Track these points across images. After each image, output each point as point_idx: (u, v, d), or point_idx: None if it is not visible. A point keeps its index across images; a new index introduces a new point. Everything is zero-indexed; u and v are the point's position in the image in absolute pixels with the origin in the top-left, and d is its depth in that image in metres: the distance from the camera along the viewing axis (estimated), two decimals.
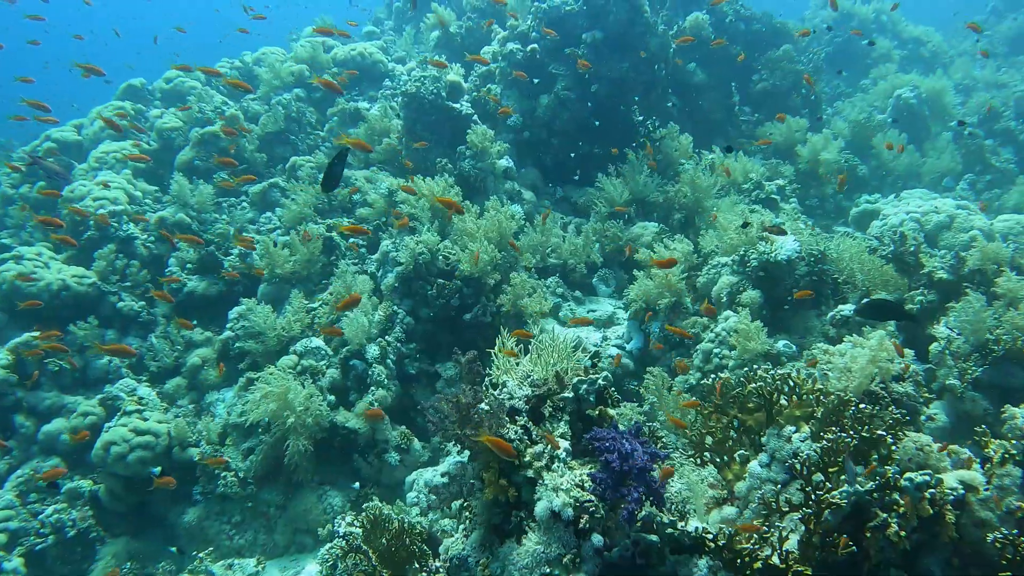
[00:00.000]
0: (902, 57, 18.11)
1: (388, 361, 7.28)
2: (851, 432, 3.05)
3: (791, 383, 3.45)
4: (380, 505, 5.33)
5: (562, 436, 3.47)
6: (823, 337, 6.33)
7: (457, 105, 9.89)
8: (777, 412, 3.46)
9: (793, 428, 3.40)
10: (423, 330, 7.78)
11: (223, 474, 7.15)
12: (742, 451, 3.52)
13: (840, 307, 6.06)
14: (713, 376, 5.76)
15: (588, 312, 8.16)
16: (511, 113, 10.18)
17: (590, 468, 3.29)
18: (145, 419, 7.50)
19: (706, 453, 3.63)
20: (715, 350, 6.23)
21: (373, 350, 7.26)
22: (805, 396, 3.42)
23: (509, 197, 9.33)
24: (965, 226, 8.71)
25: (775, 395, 3.46)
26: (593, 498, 3.14)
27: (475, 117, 9.89)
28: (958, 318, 4.98)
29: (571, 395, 3.52)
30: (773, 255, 6.42)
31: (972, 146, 12.20)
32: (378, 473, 7.02)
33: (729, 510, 3.30)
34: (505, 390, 3.61)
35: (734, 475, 3.45)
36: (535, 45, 10.34)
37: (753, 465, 3.34)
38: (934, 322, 5.54)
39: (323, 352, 7.59)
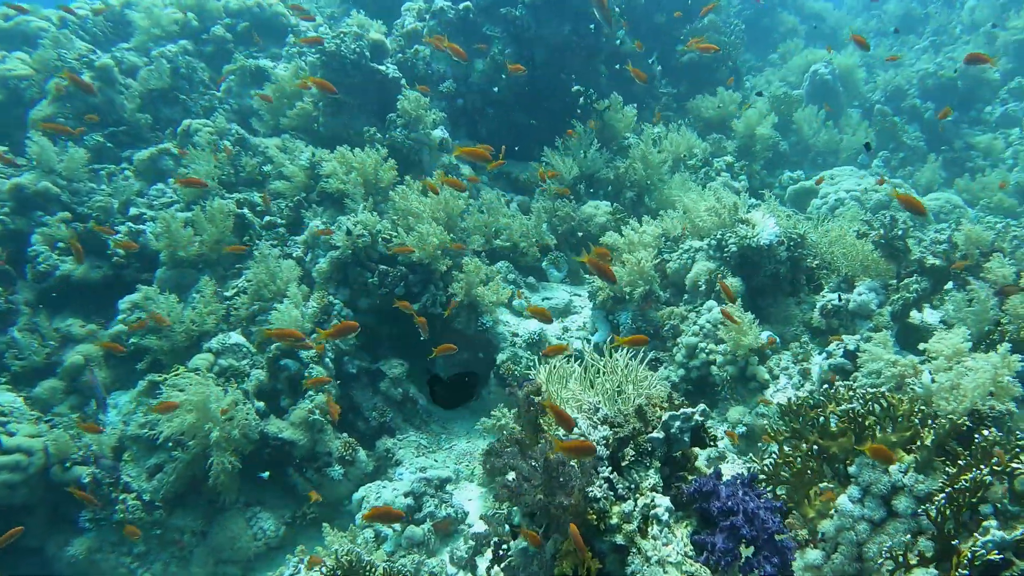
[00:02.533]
0: (806, 32, 18.75)
1: (327, 360, 6.58)
2: (988, 466, 2.77)
3: (883, 403, 3.16)
4: (352, 548, 4.71)
5: (653, 489, 3.02)
6: (805, 327, 6.25)
7: (382, 67, 9.13)
8: (868, 438, 3.17)
9: None
10: (363, 322, 7.09)
11: (121, 497, 6.24)
12: (825, 483, 3.21)
13: (829, 296, 5.96)
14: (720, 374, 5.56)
15: (543, 300, 7.76)
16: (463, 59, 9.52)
17: (687, 527, 2.86)
18: (11, 433, 6.42)
19: (781, 487, 3.28)
20: (700, 344, 5.99)
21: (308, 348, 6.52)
22: (902, 419, 3.13)
23: (446, 171, 8.72)
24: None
25: (867, 418, 3.15)
26: None
27: (403, 82, 9.17)
28: (957, 307, 4.95)
29: (661, 436, 3.06)
30: (754, 239, 6.25)
31: (886, 123, 12.69)
32: (317, 489, 6.34)
33: (813, 554, 2.98)
34: (576, 430, 3.12)
35: (816, 512, 3.13)
36: (468, 3, 9.70)
37: (842, 500, 3.02)
38: (917, 310, 5.54)
39: (244, 349, 6.78)
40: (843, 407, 3.17)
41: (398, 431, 6.91)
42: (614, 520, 2.84)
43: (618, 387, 3.33)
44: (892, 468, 2.99)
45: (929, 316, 5.46)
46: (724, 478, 2.93)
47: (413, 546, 5.30)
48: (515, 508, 3.09)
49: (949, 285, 5.44)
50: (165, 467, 6.35)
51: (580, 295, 7.97)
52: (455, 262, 7.21)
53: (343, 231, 6.92)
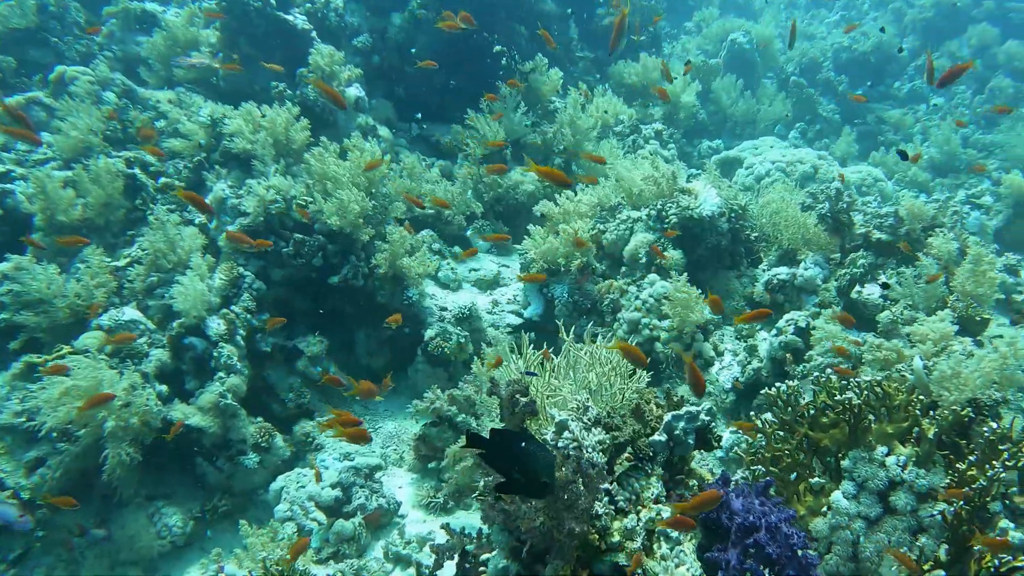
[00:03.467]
0: (720, 2, 18.98)
1: (237, 338, 6.07)
2: (1001, 461, 2.69)
3: (880, 392, 3.05)
4: (283, 556, 4.34)
5: (656, 500, 2.77)
6: (746, 301, 6.24)
7: (290, 17, 8.48)
8: (864, 430, 3.06)
9: (885, 449, 3.02)
10: (276, 296, 6.61)
11: None
12: (817, 479, 3.09)
13: (776, 270, 5.95)
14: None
15: (471, 271, 7.46)
16: None
17: (691, 540, 2.63)
18: None
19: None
20: (644, 320, 5.87)
21: (217, 324, 6.00)
22: (898, 410, 3.04)
23: (363, 133, 8.22)
24: (828, 177, 9.18)
25: (862, 409, 3.04)
26: None
27: (314, 34, 8.56)
28: (905, 284, 5.01)
29: (663, 439, 2.82)
30: (697, 210, 6.16)
31: (802, 95, 13.00)
32: (229, 479, 5.88)
33: None
34: (566, 434, 2.83)
35: (807, 509, 3.01)
36: None
37: (836, 497, 2.91)
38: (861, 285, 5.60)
39: (141, 326, 6.17)
40: (839, 397, 3.06)
41: (317, 413, 6.49)
42: (616, 538, 2.57)
43: (608, 382, 3.11)
44: (889, 462, 2.90)
45: (871, 292, 5.54)
46: (731, 484, 2.75)
47: (342, 541, 4.96)
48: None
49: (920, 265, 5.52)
50: (48, 461, 5.71)
51: (509, 266, 7.73)
52: (378, 231, 6.80)
53: (254, 196, 6.37)
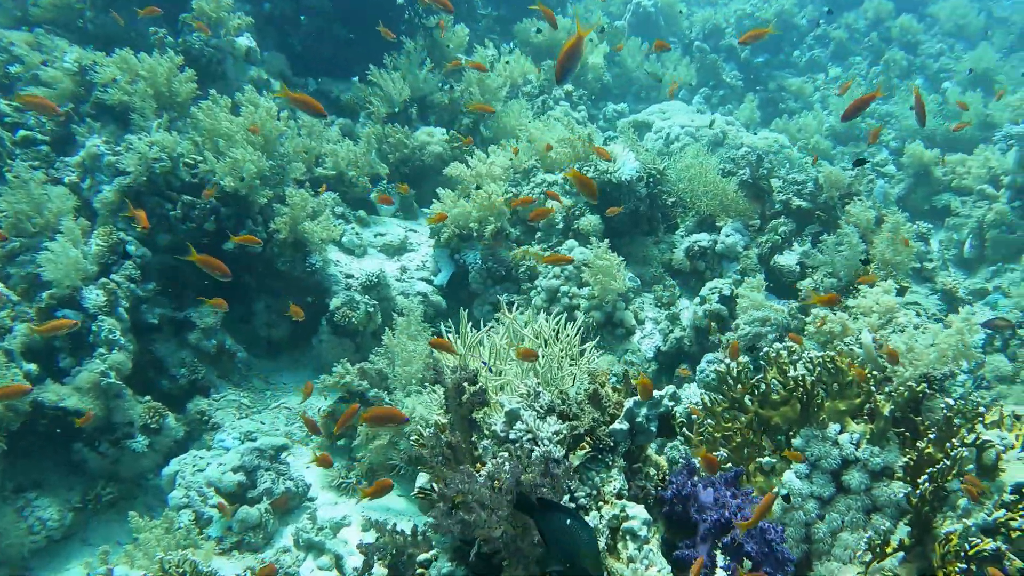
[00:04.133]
0: None
1: (120, 310, 5.55)
2: (961, 439, 2.67)
3: (832, 368, 3.00)
4: (184, 555, 4.00)
5: (619, 495, 2.55)
6: (665, 268, 6.24)
7: None
8: (816, 407, 3.01)
9: (837, 427, 2.99)
10: (162, 264, 6.09)
11: None
12: (768, 458, 3.03)
13: (696, 236, 5.96)
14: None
15: (376, 236, 7.14)
16: None
17: (654, 534, 2.46)
18: None
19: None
20: (562, 287, 5.76)
21: (95, 295, 5.46)
22: (851, 386, 3.00)
23: (255, 87, 7.67)
24: (736, 142, 9.35)
25: (815, 386, 2.98)
26: None
27: None
28: (827, 252, 5.11)
29: (625, 427, 2.63)
30: (616, 174, 6.08)
31: (706, 61, 13.19)
32: (115, 464, 5.41)
33: None
34: (519, 425, 2.62)
35: (759, 490, 2.94)
36: None
37: (789, 477, 2.85)
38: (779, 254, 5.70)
39: (2, 298, 5.55)
40: (792, 373, 3.00)
41: (213, 389, 6.07)
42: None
43: (559, 364, 2.94)
44: (843, 439, 2.88)
45: (788, 259, 5.63)
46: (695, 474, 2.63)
47: (248, 529, 4.65)
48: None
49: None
50: None
51: (416, 231, 7.45)
52: (276, 194, 6.37)
53: (135, 153, 5.81)
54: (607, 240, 5.64)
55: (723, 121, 9.58)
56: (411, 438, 2.70)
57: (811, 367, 2.98)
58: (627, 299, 5.72)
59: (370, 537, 4.71)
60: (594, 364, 3.25)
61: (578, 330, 3.35)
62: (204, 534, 4.77)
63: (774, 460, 2.95)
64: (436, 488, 2.49)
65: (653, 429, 2.57)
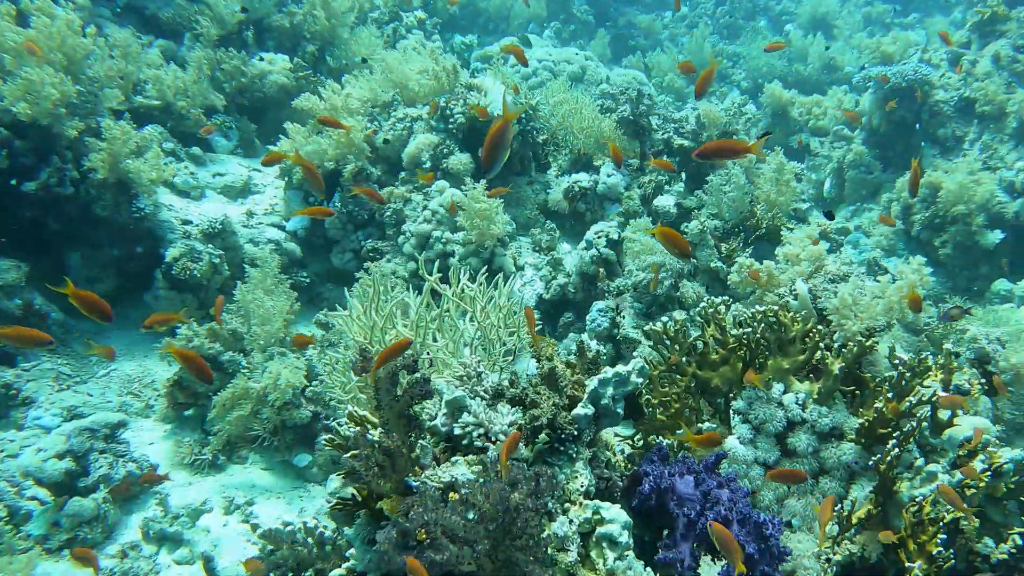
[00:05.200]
0: None
1: None
2: (919, 398, 2.57)
3: (775, 323, 2.83)
4: None
5: (588, 494, 2.23)
6: (540, 210, 6.03)
7: None
8: (759, 366, 2.86)
9: (781, 387, 2.87)
10: None
11: None
12: (708, 423, 2.85)
13: (576, 176, 5.75)
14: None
15: (214, 176, 6.39)
16: None
17: (625, 531, 2.14)
18: None
19: (653, 433, 2.83)
20: (435, 233, 5.40)
21: None
22: (794, 342, 2.86)
23: None
24: (596, 78, 9.26)
25: (757, 344, 2.82)
26: None
27: None
28: (713, 193, 5.08)
29: (590, 411, 2.26)
30: (487, 109, 5.73)
31: None
32: None
33: None
34: (467, 417, 2.20)
35: (698, 459, 2.75)
36: None
37: (732, 443, 2.68)
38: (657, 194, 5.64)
39: None
40: (737, 332, 2.84)
41: (21, 358, 5.22)
42: (550, 552, 2.01)
43: (495, 335, 2.61)
44: (787, 400, 2.76)
45: (665, 200, 5.58)
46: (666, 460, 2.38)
47: (81, 524, 4.03)
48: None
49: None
50: None
51: (261, 170, 6.76)
52: (88, 126, 5.48)
53: None
54: (483, 181, 5.33)
55: (581, 56, 9.41)
56: (324, 437, 2.29)
57: (753, 323, 2.86)
58: (504, 244, 5.47)
59: (236, 522, 4.26)
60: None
61: (508, 287, 3.03)
62: (22, 533, 4.09)
63: (715, 425, 2.82)
64: (372, 506, 2.09)
65: (620, 411, 2.32)
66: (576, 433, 2.21)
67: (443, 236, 5.40)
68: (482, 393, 2.33)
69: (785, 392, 2.79)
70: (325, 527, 3.98)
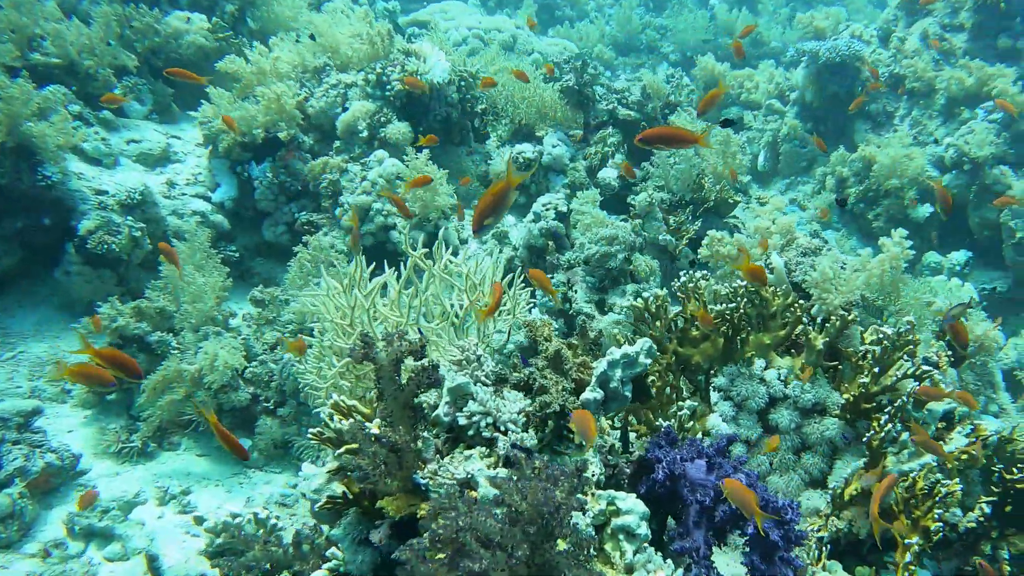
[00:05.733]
0: None
1: None
2: (905, 372, 2.58)
3: (756, 298, 2.79)
4: None
5: (599, 484, 2.10)
6: (480, 181, 5.90)
7: None
8: (741, 342, 2.82)
9: (763, 363, 2.85)
10: None
11: None
12: (690, 402, 2.76)
13: (520, 147, 5.63)
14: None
15: (128, 143, 5.97)
16: None
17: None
18: None
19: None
20: (375, 204, 5.21)
21: None
22: (776, 316, 2.83)
23: None
24: (527, 48, 9.15)
25: (740, 319, 2.77)
26: None
27: None
28: (660, 165, 5.07)
29: (599, 396, 2.14)
30: (426, 76, 5.56)
31: None
32: None
33: None
34: (473, 406, 2.04)
35: (708, 442, 2.68)
36: None
37: (715, 421, 2.63)
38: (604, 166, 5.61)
39: None
40: (720, 308, 2.79)
41: None
42: (560, 546, 1.87)
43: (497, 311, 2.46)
44: (769, 376, 2.74)
45: (607, 173, 5.55)
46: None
47: None
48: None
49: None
50: None
51: (180, 137, 6.37)
52: None
53: None
54: (426, 151, 5.15)
55: (511, 24, 9.26)
56: (311, 430, 2.10)
57: (736, 298, 2.83)
58: (446, 216, 5.32)
59: (173, 513, 4.02)
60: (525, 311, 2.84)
61: (496, 261, 2.91)
62: None
63: (695, 403, 2.79)
64: (365, 504, 1.93)
65: (628, 394, 2.23)
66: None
67: (384, 208, 5.21)
68: (483, 379, 2.20)
69: (767, 368, 2.79)
70: (277, 517, 3.81)
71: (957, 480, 2.49)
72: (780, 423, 2.70)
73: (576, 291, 4.65)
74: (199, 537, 3.73)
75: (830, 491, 2.59)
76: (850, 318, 2.77)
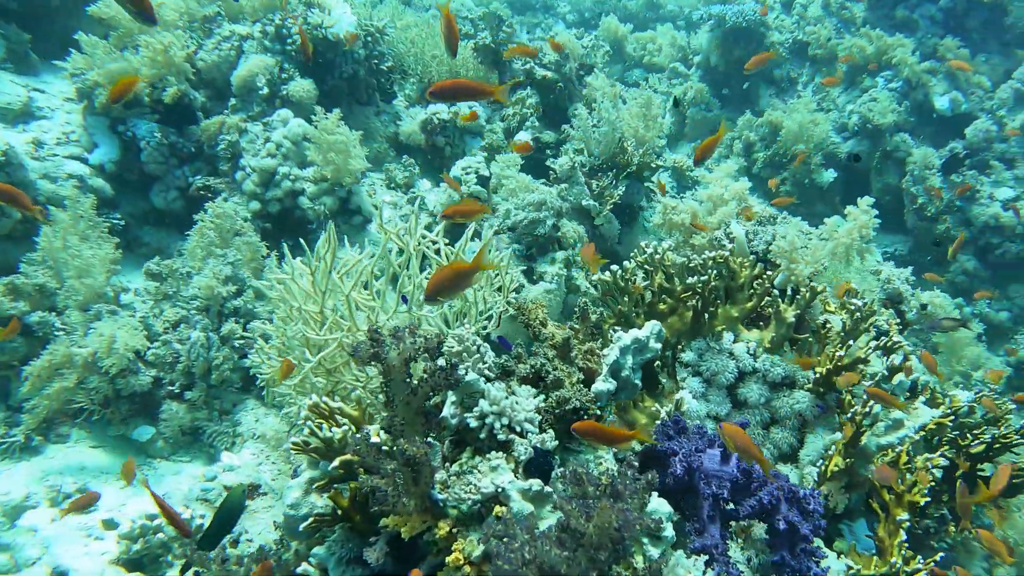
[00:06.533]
0: None
1: None
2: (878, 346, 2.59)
3: (725, 271, 2.70)
4: None
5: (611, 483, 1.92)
6: (390, 143, 5.65)
7: None
8: (710, 315, 2.73)
9: (731, 336, 2.78)
10: None
11: None
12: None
13: (434, 107, 5.39)
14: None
15: None
16: None
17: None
18: None
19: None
20: (282, 168, 4.88)
21: None
22: (743, 288, 2.75)
23: None
24: (423, 3, 8.83)
25: (710, 291, 2.68)
26: None
27: None
28: (579, 127, 4.97)
29: (612, 386, 2.00)
30: (331, 29, 5.23)
31: None
32: None
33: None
34: (484, 406, 1.83)
35: (648, 416, 2.60)
36: None
37: (684, 397, 2.51)
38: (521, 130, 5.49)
39: None
40: (690, 280, 2.70)
41: None
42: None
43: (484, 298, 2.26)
44: (738, 350, 2.69)
45: (522, 136, 5.43)
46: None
47: None
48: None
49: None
50: None
51: (44, 90, 5.74)
52: None
53: None
54: (337, 110, 4.85)
55: None
56: (293, 439, 1.84)
57: (706, 270, 2.76)
58: (359, 180, 5.05)
59: (70, 516, 3.66)
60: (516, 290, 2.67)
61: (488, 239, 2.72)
62: None
63: (663, 380, 2.72)
64: (355, 519, 1.72)
65: (638, 382, 2.11)
66: (600, 413, 1.98)
67: (291, 172, 4.89)
68: (487, 373, 2.00)
69: (735, 341, 2.76)
70: (202, 516, 3.55)
71: (939, 454, 2.57)
72: (749, 398, 2.67)
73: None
74: (104, 540, 3.41)
75: (798, 465, 2.61)
76: (820, 289, 2.78)
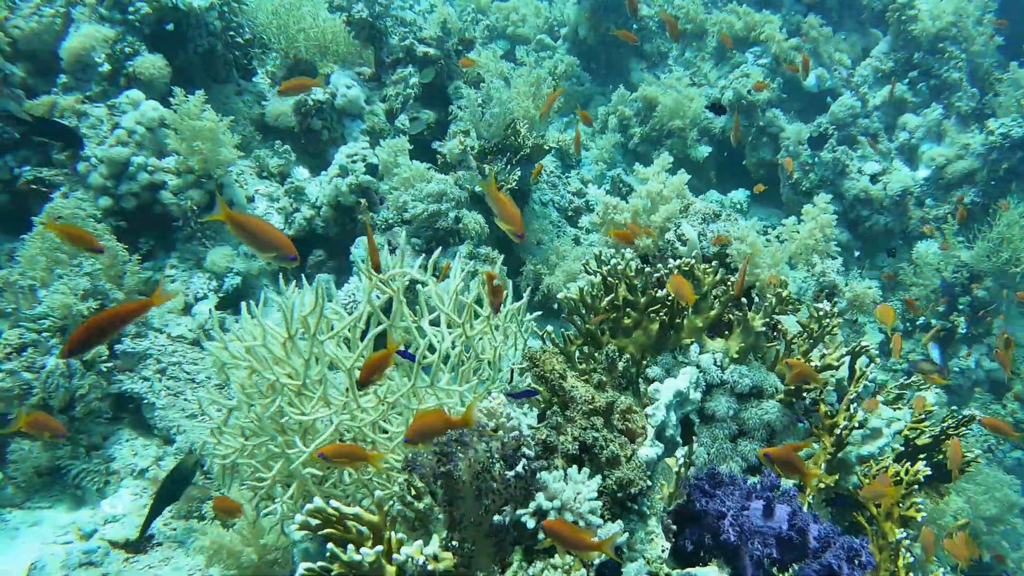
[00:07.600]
0: None
1: None
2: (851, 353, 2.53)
3: (692, 278, 2.54)
4: None
5: (664, 561, 1.69)
6: (254, 125, 5.18)
7: None
8: (677, 328, 2.56)
9: (697, 347, 2.61)
10: None
11: None
12: (623, 397, 2.41)
13: (316, 91, 4.94)
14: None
15: None
16: None
17: None
18: None
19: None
20: (136, 159, 4.34)
21: None
22: (707, 296, 2.60)
23: None
24: None
25: (678, 302, 2.54)
26: None
27: None
28: (467, 108, 4.76)
29: (658, 451, 1.75)
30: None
31: None
32: None
33: None
34: (542, 500, 1.54)
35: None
36: None
37: (654, 411, 2.31)
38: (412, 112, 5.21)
39: None
40: (660, 293, 2.53)
41: None
42: None
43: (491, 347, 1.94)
44: (705, 362, 2.56)
45: (402, 119, 5.15)
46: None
47: None
48: None
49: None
50: None
51: None
52: None
53: None
54: (201, 92, 4.34)
55: None
56: (303, 566, 1.44)
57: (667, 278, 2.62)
58: (267, 172, 4.59)
59: None
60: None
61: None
62: None
63: (628, 399, 2.58)
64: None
65: (680, 440, 1.91)
66: (650, 484, 1.76)
67: (148, 164, 4.34)
68: (528, 453, 1.65)
69: (701, 352, 2.66)
70: None
71: (923, 463, 2.60)
72: (717, 411, 2.59)
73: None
74: None
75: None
76: (785, 294, 2.74)
